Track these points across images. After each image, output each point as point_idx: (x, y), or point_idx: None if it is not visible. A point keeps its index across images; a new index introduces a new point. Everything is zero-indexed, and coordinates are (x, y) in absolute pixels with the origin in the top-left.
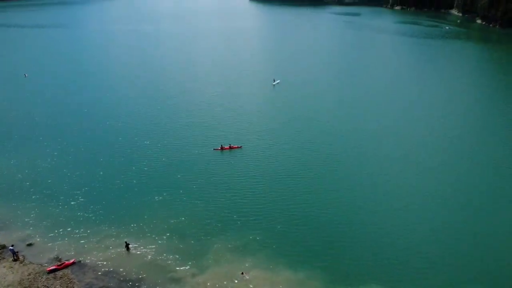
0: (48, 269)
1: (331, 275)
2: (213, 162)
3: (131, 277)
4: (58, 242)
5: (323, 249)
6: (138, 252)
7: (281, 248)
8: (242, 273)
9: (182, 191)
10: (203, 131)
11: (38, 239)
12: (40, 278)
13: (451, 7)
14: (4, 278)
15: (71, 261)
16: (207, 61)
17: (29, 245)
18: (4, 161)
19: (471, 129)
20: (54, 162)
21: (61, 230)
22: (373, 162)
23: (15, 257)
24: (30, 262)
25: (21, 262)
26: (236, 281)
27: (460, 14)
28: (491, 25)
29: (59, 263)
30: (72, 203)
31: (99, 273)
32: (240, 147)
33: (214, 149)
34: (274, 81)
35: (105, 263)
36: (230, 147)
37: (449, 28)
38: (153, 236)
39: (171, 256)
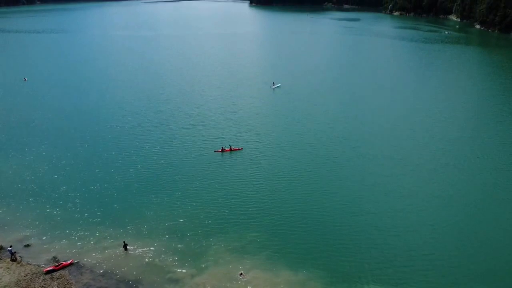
0: (46, 269)
1: (331, 276)
2: (214, 163)
3: (129, 278)
4: (55, 243)
5: (322, 250)
6: (137, 253)
7: (281, 249)
8: (241, 274)
9: (181, 192)
10: (203, 134)
11: (36, 240)
12: (37, 278)
13: (450, 13)
14: (1, 278)
15: (69, 261)
16: (208, 65)
17: (27, 245)
18: (2, 163)
19: (471, 132)
20: (53, 164)
21: (58, 231)
22: (374, 164)
23: (13, 258)
24: (28, 263)
25: (18, 263)
26: (234, 282)
27: (459, 20)
28: (489, 30)
29: (56, 264)
30: (70, 204)
31: (97, 274)
32: (241, 149)
33: (214, 151)
34: (273, 84)
35: (103, 263)
36: (231, 149)
37: (448, 33)
38: (152, 236)
39: (169, 257)
